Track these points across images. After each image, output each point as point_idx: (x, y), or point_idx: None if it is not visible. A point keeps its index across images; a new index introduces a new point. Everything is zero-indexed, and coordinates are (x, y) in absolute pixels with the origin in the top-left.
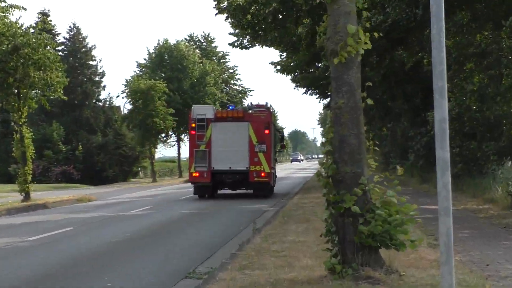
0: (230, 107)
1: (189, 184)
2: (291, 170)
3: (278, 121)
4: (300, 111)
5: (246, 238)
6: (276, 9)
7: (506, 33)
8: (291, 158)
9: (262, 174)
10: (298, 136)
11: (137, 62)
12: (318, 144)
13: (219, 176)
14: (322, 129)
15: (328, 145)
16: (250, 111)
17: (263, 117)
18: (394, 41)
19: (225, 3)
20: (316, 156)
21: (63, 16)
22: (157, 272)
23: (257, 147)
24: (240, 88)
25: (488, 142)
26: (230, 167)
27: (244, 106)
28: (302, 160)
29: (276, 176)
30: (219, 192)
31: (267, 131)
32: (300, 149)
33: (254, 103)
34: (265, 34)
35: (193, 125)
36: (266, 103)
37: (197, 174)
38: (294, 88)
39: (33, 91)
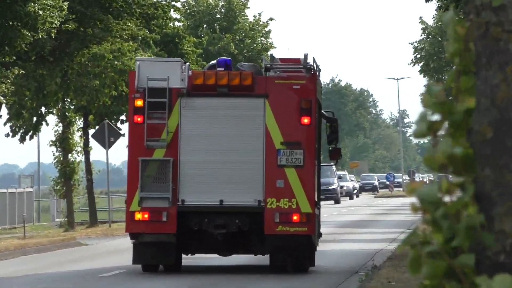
0: (223, 63)
1: (122, 241)
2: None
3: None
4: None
5: None
6: None
7: None
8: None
9: (295, 218)
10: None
11: None
12: (415, 141)
13: (195, 220)
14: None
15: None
16: (270, 73)
17: (298, 88)
18: None
19: None
20: (404, 180)
21: None
22: None
23: (283, 154)
24: (260, 44)
25: None
26: (221, 201)
27: (254, 63)
28: (356, 190)
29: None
30: (191, 260)
31: (306, 119)
32: (356, 154)
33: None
34: None
35: (139, 102)
36: (305, 55)
37: (146, 216)
38: None
39: None
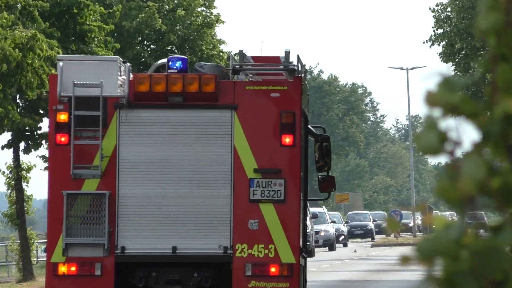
0: (176, 63)
1: None
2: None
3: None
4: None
5: None
6: None
7: None
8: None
9: (273, 270)
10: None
11: None
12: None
13: (139, 274)
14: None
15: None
16: (240, 77)
17: (278, 96)
18: None
19: None
20: (416, 219)
21: None
22: None
23: (256, 186)
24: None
25: None
26: (174, 248)
27: (218, 63)
28: (343, 237)
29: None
30: None
31: (288, 138)
32: (344, 182)
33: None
34: None
35: (62, 116)
36: (287, 52)
37: (73, 269)
38: None
39: None
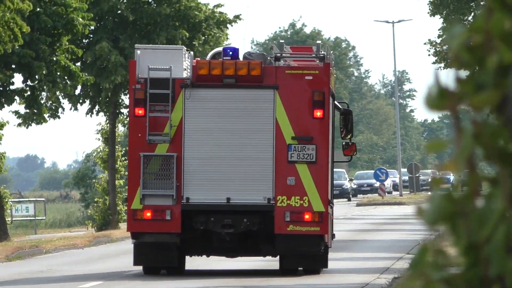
0: (230, 52)
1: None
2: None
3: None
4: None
5: None
6: None
7: None
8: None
9: (306, 217)
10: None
11: None
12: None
13: (200, 219)
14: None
15: None
16: (280, 63)
17: (311, 79)
18: None
19: None
20: (403, 178)
21: None
22: None
23: (294, 150)
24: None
25: None
26: (228, 199)
27: (263, 52)
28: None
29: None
30: (196, 262)
31: (319, 112)
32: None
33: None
34: None
35: (139, 93)
36: (319, 44)
37: (149, 214)
38: None
39: None
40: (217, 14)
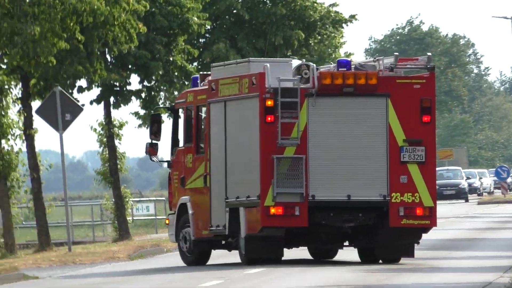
0: (344, 63)
1: (90, 273)
2: None
3: None
4: None
5: None
6: None
7: None
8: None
9: (418, 211)
10: None
11: None
12: None
13: (323, 214)
14: None
15: None
16: (392, 73)
17: (419, 87)
18: None
19: None
20: None
21: None
22: None
23: (405, 151)
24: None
25: None
26: (348, 196)
27: (368, 61)
28: None
29: None
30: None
31: (426, 117)
32: (448, 138)
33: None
34: None
35: (269, 102)
36: (429, 57)
37: (280, 210)
38: None
39: None
40: (332, 14)
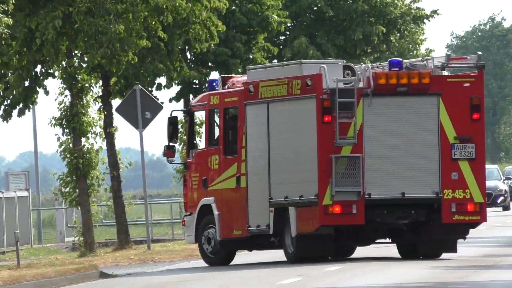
0: (396, 64)
1: (169, 270)
2: None
3: None
4: None
5: None
6: None
7: None
8: None
9: (469, 207)
10: None
11: None
12: None
13: (379, 212)
14: None
15: None
16: (444, 72)
17: (469, 86)
18: None
19: None
20: None
21: None
22: None
23: (456, 148)
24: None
25: None
26: (403, 194)
27: (417, 61)
28: (503, 197)
29: None
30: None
31: (476, 115)
32: None
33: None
34: None
35: (326, 102)
36: (479, 56)
37: (338, 209)
38: None
39: None
40: (413, 10)
